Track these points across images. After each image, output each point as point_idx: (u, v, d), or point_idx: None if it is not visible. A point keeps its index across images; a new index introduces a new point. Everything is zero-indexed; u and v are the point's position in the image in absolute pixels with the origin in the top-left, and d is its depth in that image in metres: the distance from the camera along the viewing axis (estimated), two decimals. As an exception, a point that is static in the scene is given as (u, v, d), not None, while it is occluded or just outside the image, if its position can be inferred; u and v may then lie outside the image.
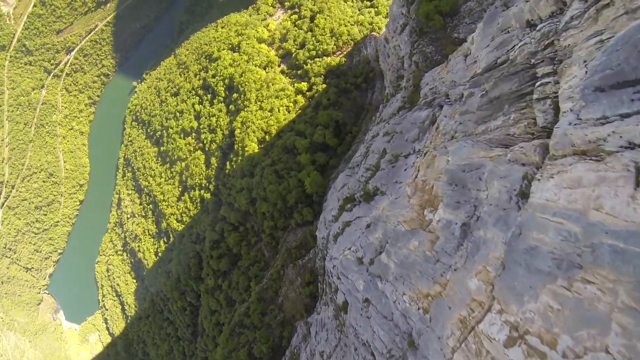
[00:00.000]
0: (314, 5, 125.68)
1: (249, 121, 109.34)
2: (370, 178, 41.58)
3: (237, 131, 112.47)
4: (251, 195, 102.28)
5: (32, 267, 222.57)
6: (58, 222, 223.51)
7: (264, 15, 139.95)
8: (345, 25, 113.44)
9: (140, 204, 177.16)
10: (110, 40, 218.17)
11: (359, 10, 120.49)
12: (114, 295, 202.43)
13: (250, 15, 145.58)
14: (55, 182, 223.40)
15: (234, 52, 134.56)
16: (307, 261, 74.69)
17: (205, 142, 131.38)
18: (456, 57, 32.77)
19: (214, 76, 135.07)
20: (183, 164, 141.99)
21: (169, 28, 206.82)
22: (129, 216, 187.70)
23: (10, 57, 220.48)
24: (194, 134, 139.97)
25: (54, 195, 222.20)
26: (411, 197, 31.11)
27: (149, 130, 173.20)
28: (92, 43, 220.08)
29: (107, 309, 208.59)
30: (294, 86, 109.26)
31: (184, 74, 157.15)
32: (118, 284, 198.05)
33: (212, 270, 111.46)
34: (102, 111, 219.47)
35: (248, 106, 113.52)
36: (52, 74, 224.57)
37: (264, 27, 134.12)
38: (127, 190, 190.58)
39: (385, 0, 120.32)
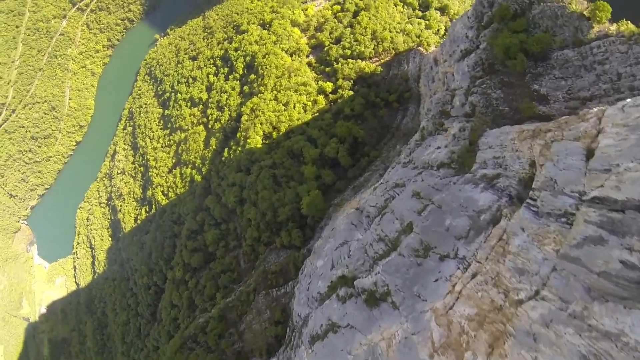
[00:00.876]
0: (361, 0, 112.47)
1: (259, 110, 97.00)
2: (381, 258, 29.55)
3: (245, 117, 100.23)
4: (241, 194, 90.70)
5: (16, 195, 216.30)
6: (51, 157, 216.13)
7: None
8: (390, 31, 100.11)
9: (133, 163, 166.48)
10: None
11: (408, 18, 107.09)
12: (88, 246, 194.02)
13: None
14: (56, 117, 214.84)
15: (264, 29, 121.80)
16: (282, 295, 63.13)
17: (210, 118, 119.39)
18: (563, 140, 20.45)
19: (236, 49, 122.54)
20: (183, 134, 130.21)
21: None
22: (119, 171, 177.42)
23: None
24: (201, 106, 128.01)
25: (52, 130, 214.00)
26: (437, 350, 19.32)
27: (158, 89, 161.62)
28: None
29: (78, 258, 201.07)
30: (317, 84, 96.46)
31: (207, 39, 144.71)
32: (94, 237, 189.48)
33: (183, 261, 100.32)
34: (119, 57, 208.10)
35: (263, 92, 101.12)
36: (77, 6, 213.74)
37: (302, 10, 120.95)
38: (124, 144, 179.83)
39: (438, 16, 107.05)
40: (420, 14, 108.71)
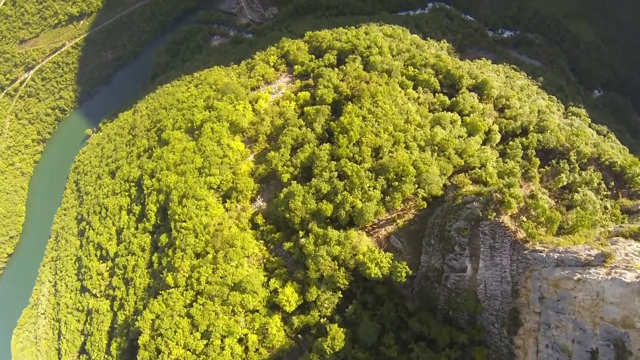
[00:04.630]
0: (342, 80, 60.45)
1: (164, 343, 42.80)
2: None
3: (144, 338, 46.22)
4: None
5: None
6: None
7: (257, 79, 74.79)
8: (406, 145, 47.38)
9: (54, 308, 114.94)
10: (75, 67, 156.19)
11: (430, 110, 55.07)
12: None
13: (238, 76, 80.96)
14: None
15: (191, 137, 69.68)
16: None
17: (116, 293, 67.12)
18: None
19: (151, 176, 70.73)
20: (91, 301, 79.41)
21: (144, 68, 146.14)
22: (42, 311, 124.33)
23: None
24: (109, 262, 76.64)
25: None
26: None
27: (79, 209, 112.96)
28: (54, 65, 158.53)
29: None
30: (267, 285, 42.28)
31: (130, 145, 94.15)
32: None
33: None
34: (50, 154, 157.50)
35: (170, 288, 47.32)
36: (6, 90, 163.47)
37: (251, 101, 68.71)
38: (50, 273, 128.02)
39: (475, 102, 55.31)
40: (446, 100, 56.66)
